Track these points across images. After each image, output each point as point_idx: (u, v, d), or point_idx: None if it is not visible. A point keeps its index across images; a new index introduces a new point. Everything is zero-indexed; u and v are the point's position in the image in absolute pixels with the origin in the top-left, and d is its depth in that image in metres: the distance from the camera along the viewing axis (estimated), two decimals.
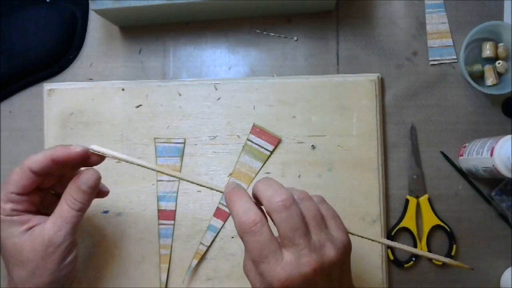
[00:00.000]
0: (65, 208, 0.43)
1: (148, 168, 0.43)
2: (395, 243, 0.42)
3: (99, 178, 0.44)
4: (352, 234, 0.40)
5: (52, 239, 0.42)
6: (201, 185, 0.42)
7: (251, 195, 0.39)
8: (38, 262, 0.42)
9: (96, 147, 0.43)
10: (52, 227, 0.42)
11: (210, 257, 0.54)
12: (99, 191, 0.46)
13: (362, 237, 0.41)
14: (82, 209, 0.43)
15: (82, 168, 0.44)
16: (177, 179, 0.55)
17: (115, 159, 0.42)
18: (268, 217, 0.37)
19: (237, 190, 0.40)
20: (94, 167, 0.44)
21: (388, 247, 0.54)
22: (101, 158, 0.43)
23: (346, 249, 0.38)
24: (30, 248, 0.42)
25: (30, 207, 0.43)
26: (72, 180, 0.43)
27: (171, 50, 0.59)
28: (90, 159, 0.43)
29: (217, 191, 0.42)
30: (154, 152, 0.55)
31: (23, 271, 0.42)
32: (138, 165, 0.42)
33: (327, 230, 0.38)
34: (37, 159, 0.42)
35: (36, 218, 0.43)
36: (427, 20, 0.57)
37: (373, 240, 0.41)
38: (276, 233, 0.36)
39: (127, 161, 0.42)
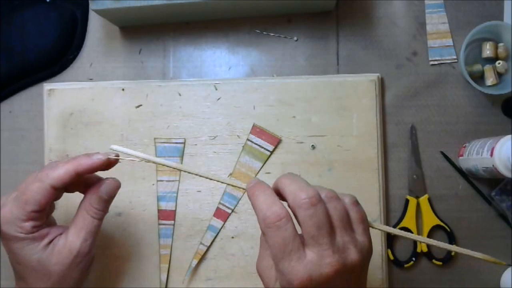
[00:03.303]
0: (88, 219, 0.43)
1: (173, 167, 0.42)
2: (431, 240, 0.40)
3: (119, 186, 0.45)
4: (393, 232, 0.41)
5: (80, 250, 0.42)
6: (230, 184, 0.42)
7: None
8: (64, 272, 0.42)
9: (116, 147, 0.43)
10: (77, 239, 0.42)
11: (210, 257, 0.54)
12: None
13: (405, 237, 0.40)
14: (103, 217, 0.44)
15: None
16: (177, 181, 0.55)
17: (137, 159, 0.42)
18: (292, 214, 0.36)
19: (260, 185, 0.39)
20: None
21: (388, 247, 0.54)
22: (117, 160, 0.43)
23: (368, 255, 0.37)
24: (56, 261, 0.42)
25: (45, 218, 0.43)
26: (91, 189, 0.43)
27: (171, 50, 0.59)
28: (110, 164, 0.43)
29: (240, 187, 0.41)
30: (154, 152, 0.55)
31: (47, 283, 0.42)
32: (162, 164, 0.42)
33: (353, 233, 0.37)
34: (59, 176, 0.41)
35: (53, 230, 0.43)
36: (427, 20, 0.57)
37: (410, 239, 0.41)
38: (299, 231, 0.36)
39: (149, 161, 0.42)
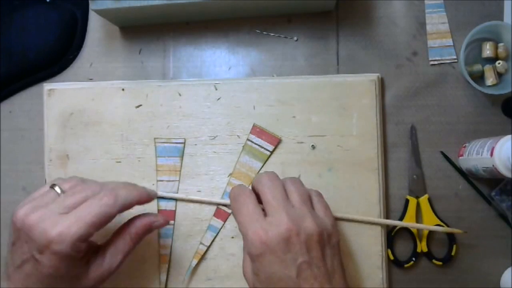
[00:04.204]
0: (129, 244, 0.44)
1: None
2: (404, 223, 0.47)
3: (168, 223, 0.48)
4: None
5: (114, 271, 0.44)
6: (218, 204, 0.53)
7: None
8: (89, 286, 0.43)
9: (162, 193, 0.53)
10: (115, 261, 0.44)
11: (210, 257, 0.54)
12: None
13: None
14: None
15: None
16: (177, 181, 0.55)
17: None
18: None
19: (239, 186, 0.47)
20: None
21: (388, 247, 0.54)
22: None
23: (327, 232, 0.41)
24: (90, 277, 0.43)
25: None
26: (143, 220, 0.45)
27: (171, 50, 0.59)
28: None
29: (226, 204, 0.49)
30: (154, 152, 0.55)
31: None
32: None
33: (313, 210, 0.42)
34: (125, 205, 0.42)
35: (90, 246, 0.44)
36: (427, 20, 0.57)
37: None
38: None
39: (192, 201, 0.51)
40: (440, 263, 0.54)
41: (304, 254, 0.38)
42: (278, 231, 0.39)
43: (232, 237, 0.54)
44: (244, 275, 0.43)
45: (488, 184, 0.55)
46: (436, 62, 0.56)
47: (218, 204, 0.54)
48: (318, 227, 0.40)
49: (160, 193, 0.54)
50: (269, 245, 0.38)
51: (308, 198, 0.43)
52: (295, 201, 0.42)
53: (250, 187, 0.46)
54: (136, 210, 0.54)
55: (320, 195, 0.46)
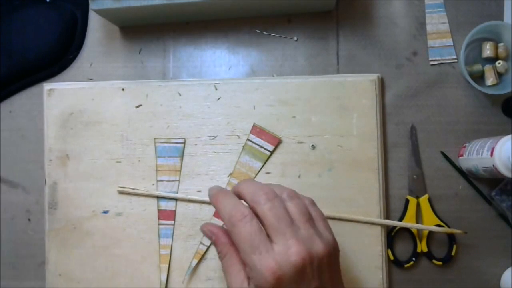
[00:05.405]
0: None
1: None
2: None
3: None
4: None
5: None
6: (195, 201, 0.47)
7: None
8: None
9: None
10: None
11: (210, 257, 0.54)
12: None
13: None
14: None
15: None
16: (177, 181, 0.55)
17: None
18: None
19: (222, 191, 0.41)
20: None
21: (388, 247, 0.54)
22: None
23: (334, 249, 0.39)
24: None
25: None
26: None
27: (171, 50, 0.59)
28: None
29: (204, 202, 0.45)
30: (154, 152, 0.55)
31: None
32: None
33: (316, 228, 0.39)
34: None
35: None
36: (427, 20, 0.57)
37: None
38: None
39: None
40: (440, 263, 0.54)
41: (316, 279, 0.36)
42: (292, 263, 0.35)
43: None
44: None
45: (488, 184, 0.55)
46: (436, 62, 0.56)
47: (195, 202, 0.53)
48: (326, 246, 0.37)
49: (160, 193, 0.54)
50: (283, 279, 0.35)
51: (308, 212, 0.39)
52: (298, 220, 0.38)
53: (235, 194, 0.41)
54: (136, 210, 0.54)
55: (314, 203, 0.42)
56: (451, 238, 0.54)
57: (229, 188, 0.54)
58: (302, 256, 0.35)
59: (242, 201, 0.40)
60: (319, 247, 0.37)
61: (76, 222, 0.55)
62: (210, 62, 0.58)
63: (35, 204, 0.57)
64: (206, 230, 0.43)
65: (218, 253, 0.41)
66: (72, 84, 0.57)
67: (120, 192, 0.54)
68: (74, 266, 0.54)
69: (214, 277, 0.54)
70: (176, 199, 0.55)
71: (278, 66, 0.57)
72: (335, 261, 0.39)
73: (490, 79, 0.54)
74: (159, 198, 0.54)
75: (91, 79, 0.58)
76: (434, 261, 0.54)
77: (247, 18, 0.58)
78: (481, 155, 0.49)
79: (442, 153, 0.56)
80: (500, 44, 0.54)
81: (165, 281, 0.54)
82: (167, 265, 0.54)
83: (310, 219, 0.39)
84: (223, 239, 0.41)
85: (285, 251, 0.36)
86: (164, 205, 0.54)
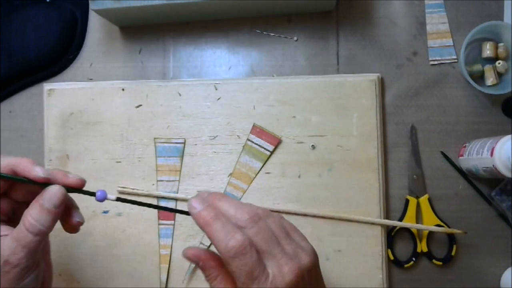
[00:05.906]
0: (23, 231, 0.37)
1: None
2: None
3: (65, 195, 0.38)
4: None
5: (7, 260, 0.36)
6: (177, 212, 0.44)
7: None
8: None
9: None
10: (8, 247, 0.37)
11: None
12: (69, 222, 0.40)
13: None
14: (42, 233, 0.37)
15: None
16: (177, 181, 0.55)
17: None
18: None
19: (210, 210, 0.38)
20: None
21: (388, 247, 0.54)
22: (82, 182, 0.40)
23: (315, 257, 0.39)
24: None
25: None
26: (35, 198, 0.38)
27: (171, 50, 0.59)
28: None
29: (183, 213, 0.41)
30: (154, 152, 0.55)
31: None
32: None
33: (294, 241, 0.39)
34: None
35: (3, 228, 0.38)
36: (427, 20, 0.57)
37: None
38: None
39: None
40: (440, 263, 0.54)
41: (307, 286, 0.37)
42: (288, 282, 0.35)
43: None
44: None
45: (488, 184, 0.55)
46: (436, 62, 0.56)
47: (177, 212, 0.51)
48: (310, 257, 0.38)
49: (160, 193, 0.54)
50: None
51: (284, 227, 0.39)
52: (280, 238, 0.37)
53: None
54: (136, 210, 0.54)
55: (282, 217, 0.40)
56: (451, 238, 0.54)
57: (229, 188, 0.54)
58: (295, 273, 0.36)
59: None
60: (305, 259, 0.37)
61: None
62: (210, 62, 0.58)
63: None
64: (191, 256, 0.40)
65: (206, 276, 0.39)
66: (72, 84, 0.57)
67: (120, 192, 0.54)
68: (74, 266, 0.54)
69: None
70: (176, 199, 0.55)
71: (278, 66, 0.57)
72: (318, 268, 0.40)
73: (490, 79, 0.54)
74: (159, 198, 0.54)
75: (91, 79, 0.58)
76: (434, 261, 0.54)
77: (247, 18, 0.58)
78: (481, 155, 0.49)
79: (442, 153, 0.56)
80: (500, 44, 0.54)
81: (165, 281, 0.54)
82: (167, 265, 0.54)
83: (288, 233, 0.39)
84: (212, 262, 0.39)
85: (279, 273, 0.36)
86: (164, 205, 0.54)
